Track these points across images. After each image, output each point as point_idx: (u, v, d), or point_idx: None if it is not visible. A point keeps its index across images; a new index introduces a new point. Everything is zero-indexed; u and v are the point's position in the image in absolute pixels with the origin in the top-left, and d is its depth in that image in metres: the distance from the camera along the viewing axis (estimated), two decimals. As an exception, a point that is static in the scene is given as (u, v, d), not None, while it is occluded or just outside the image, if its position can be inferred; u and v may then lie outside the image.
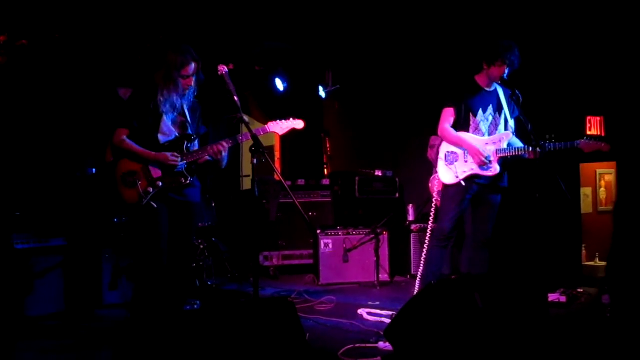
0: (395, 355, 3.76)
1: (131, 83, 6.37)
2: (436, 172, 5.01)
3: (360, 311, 5.21)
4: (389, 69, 7.70)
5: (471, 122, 4.82)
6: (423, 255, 5.16)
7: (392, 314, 4.85)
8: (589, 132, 6.33)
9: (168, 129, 4.16)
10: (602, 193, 6.76)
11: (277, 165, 8.98)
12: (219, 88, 4.10)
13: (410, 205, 7.17)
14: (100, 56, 6.56)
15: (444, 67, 6.63)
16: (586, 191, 6.61)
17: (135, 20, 6.45)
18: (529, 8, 6.02)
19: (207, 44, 6.58)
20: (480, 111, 4.83)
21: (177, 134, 4.18)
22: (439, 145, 4.93)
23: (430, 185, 5.40)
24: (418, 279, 5.27)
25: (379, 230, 6.58)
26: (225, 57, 6.52)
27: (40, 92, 6.15)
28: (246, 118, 4.08)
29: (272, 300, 5.50)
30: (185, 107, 4.21)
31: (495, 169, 4.77)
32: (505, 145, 4.79)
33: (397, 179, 7.41)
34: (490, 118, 4.85)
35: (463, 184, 4.78)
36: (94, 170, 5.82)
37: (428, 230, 5.25)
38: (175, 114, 4.18)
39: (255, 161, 3.94)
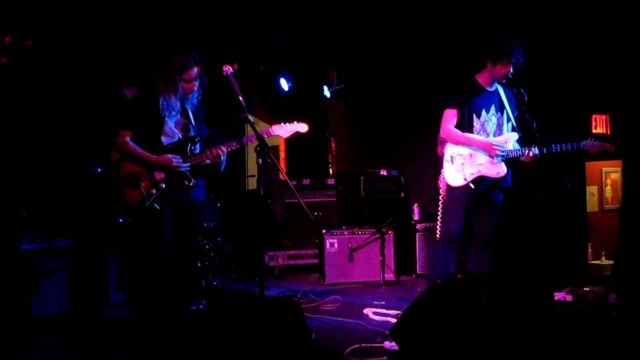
0: (401, 355, 3.76)
1: (136, 83, 6.38)
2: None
3: (365, 311, 5.21)
4: (393, 68, 7.69)
5: (475, 124, 4.80)
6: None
7: (398, 314, 4.84)
8: (594, 131, 6.30)
9: (171, 131, 4.16)
10: (608, 191, 6.74)
11: (282, 165, 8.98)
12: (224, 88, 4.10)
13: (416, 204, 7.15)
14: (106, 56, 6.57)
15: (449, 66, 6.62)
16: (592, 189, 6.59)
17: (140, 21, 6.46)
18: (535, 5, 6.00)
19: (212, 44, 6.59)
20: (484, 111, 4.82)
21: (180, 136, 4.18)
22: (444, 146, 4.90)
23: (439, 183, 5.36)
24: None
25: (384, 230, 6.57)
26: (230, 57, 6.54)
27: (45, 92, 6.17)
28: (251, 118, 4.08)
29: (278, 300, 5.51)
30: (188, 109, 4.21)
31: (503, 169, 4.77)
32: (511, 147, 4.78)
33: (402, 178, 7.40)
34: (494, 118, 4.84)
35: (472, 186, 4.75)
36: (99, 169, 5.83)
37: (438, 230, 5.21)
38: (178, 116, 4.18)
39: (260, 161, 3.95)
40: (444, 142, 4.91)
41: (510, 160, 4.80)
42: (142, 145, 4.09)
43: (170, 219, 4.13)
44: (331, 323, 4.87)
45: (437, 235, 5.15)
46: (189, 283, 4.35)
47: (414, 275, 6.77)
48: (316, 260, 7.03)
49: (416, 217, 7.08)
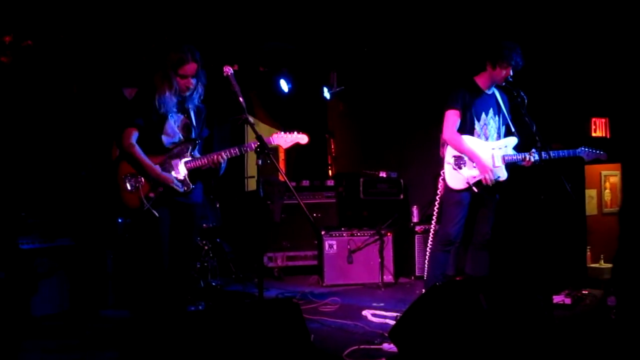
0: (399, 357, 3.76)
1: (136, 83, 6.38)
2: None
3: (364, 312, 5.21)
4: (393, 70, 7.70)
5: (475, 126, 4.80)
6: (426, 258, 5.13)
7: (397, 315, 4.84)
8: (594, 134, 6.31)
9: (172, 131, 4.16)
10: (607, 195, 6.73)
11: (282, 166, 8.98)
12: (224, 89, 4.10)
13: (415, 206, 7.16)
14: (106, 56, 6.57)
15: (449, 69, 6.62)
16: (591, 193, 6.58)
17: (140, 21, 6.46)
18: (534, 8, 6.01)
19: (212, 45, 6.59)
20: (483, 114, 4.82)
21: (181, 136, 4.18)
22: (446, 148, 4.89)
23: (438, 184, 5.36)
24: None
25: (383, 232, 6.58)
26: (230, 58, 6.54)
27: (45, 92, 6.17)
28: (251, 119, 4.08)
29: (277, 301, 5.53)
30: (190, 109, 4.21)
31: (504, 174, 4.77)
32: (511, 151, 4.78)
33: (401, 180, 7.40)
34: (492, 122, 4.85)
35: (475, 189, 4.75)
36: (98, 169, 5.83)
37: (431, 233, 5.22)
38: (180, 116, 4.17)
39: (260, 162, 3.95)
40: (445, 144, 4.89)
41: (510, 164, 4.82)
42: (143, 144, 4.08)
43: (167, 221, 4.13)
44: (330, 324, 4.87)
45: (430, 236, 5.15)
46: (187, 284, 4.35)
47: (412, 278, 6.77)
48: (315, 262, 7.02)
49: (415, 219, 7.08)
